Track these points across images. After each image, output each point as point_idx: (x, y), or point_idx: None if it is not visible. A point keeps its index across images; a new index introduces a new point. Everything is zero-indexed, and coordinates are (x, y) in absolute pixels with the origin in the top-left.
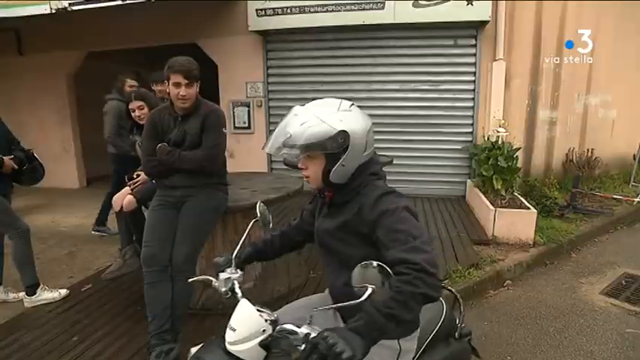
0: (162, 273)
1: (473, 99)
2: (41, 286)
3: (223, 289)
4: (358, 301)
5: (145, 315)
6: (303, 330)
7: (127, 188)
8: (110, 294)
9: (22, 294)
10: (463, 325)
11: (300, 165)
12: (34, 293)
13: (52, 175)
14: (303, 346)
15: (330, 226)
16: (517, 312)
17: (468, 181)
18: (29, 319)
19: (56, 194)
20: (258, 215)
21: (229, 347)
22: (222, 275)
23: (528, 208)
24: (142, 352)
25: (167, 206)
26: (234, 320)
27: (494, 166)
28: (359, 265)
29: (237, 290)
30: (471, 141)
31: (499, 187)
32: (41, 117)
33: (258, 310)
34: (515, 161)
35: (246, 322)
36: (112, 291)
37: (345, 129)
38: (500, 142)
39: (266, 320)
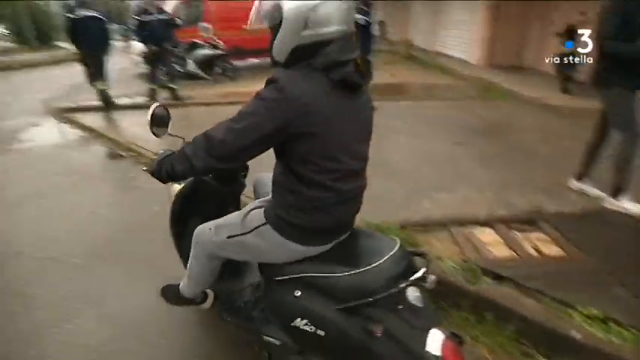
0: None
1: None
2: (625, 192)
3: None
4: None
5: None
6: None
7: None
8: None
9: (604, 193)
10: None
11: None
12: (616, 197)
13: None
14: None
15: None
16: None
17: None
18: (600, 219)
19: None
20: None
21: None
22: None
23: None
24: None
25: None
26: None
27: None
28: None
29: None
30: None
31: None
32: None
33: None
34: None
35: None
36: None
37: (279, 2)
38: None
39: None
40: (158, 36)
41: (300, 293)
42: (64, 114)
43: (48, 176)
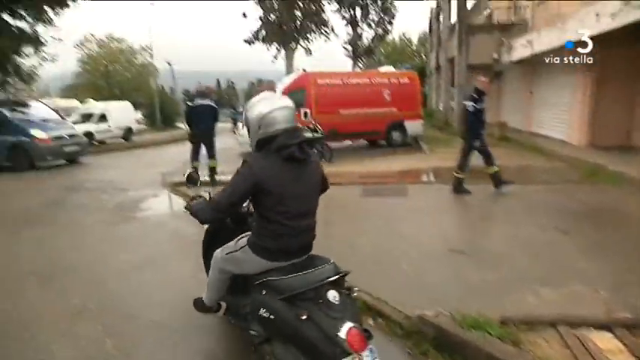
0: None
1: None
2: None
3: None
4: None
5: None
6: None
7: None
8: None
9: None
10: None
11: None
12: None
13: None
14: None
15: None
16: None
17: None
18: None
19: None
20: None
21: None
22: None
23: None
24: None
25: None
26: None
27: None
28: None
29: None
30: None
31: None
32: None
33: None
34: None
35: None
36: None
37: (247, 115)
38: None
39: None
40: None
41: (264, 292)
42: (175, 187)
43: (160, 243)
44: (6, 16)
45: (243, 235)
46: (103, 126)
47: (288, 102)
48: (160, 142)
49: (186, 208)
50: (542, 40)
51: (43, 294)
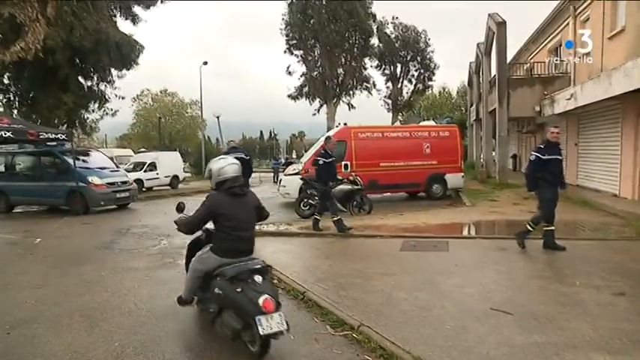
0: None
1: None
2: None
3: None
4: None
5: None
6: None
7: None
8: None
9: None
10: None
11: None
12: None
13: None
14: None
15: None
16: None
17: None
18: None
19: None
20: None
21: None
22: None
23: None
24: None
25: None
26: None
27: None
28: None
29: None
30: None
31: None
32: None
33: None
34: None
35: None
36: None
37: (210, 166)
38: None
39: None
40: (333, 174)
41: (218, 278)
42: None
43: None
44: (80, 78)
45: (208, 244)
46: (152, 174)
47: (235, 161)
48: (204, 190)
49: (175, 222)
50: (586, 93)
51: (88, 334)
